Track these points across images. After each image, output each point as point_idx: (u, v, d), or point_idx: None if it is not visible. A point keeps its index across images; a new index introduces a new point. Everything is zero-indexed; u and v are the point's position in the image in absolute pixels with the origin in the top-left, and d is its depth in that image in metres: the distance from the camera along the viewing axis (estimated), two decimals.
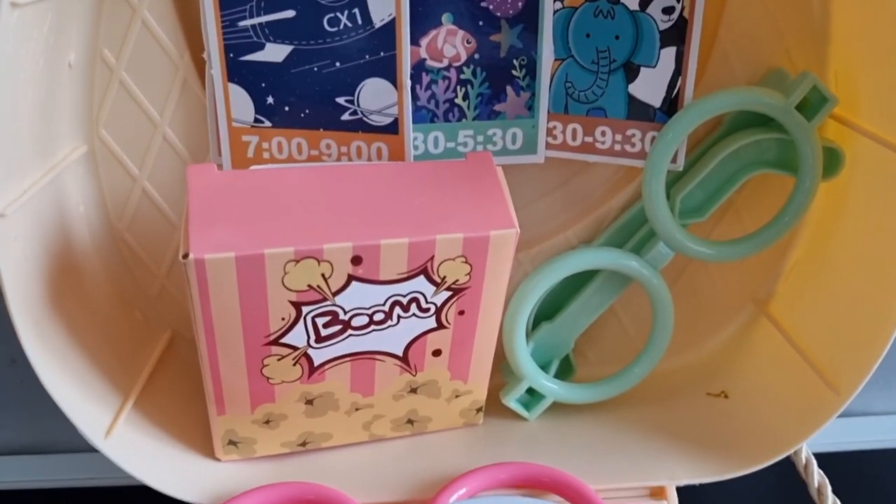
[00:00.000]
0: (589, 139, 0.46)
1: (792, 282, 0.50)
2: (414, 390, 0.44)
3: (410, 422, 0.46)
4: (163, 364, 0.49)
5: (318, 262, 0.37)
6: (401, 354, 0.42)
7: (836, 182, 0.46)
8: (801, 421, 0.44)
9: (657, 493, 0.44)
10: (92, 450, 0.55)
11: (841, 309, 0.45)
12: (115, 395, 0.44)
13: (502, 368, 0.49)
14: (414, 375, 0.44)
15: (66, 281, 0.43)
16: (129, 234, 0.47)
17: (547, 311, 0.49)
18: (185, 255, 0.36)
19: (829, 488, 0.48)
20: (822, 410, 0.44)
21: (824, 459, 0.51)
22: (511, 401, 0.48)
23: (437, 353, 0.43)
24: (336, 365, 0.42)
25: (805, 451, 0.48)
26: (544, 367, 0.48)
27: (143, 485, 0.44)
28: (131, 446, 0.43)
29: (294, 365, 0.41)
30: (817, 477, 0.48)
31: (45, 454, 0.57)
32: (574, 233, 0.48)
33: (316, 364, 0.41)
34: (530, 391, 0.48)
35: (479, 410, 0.47)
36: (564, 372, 0.50)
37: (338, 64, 0.42)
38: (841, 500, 0.47)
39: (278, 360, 0.41)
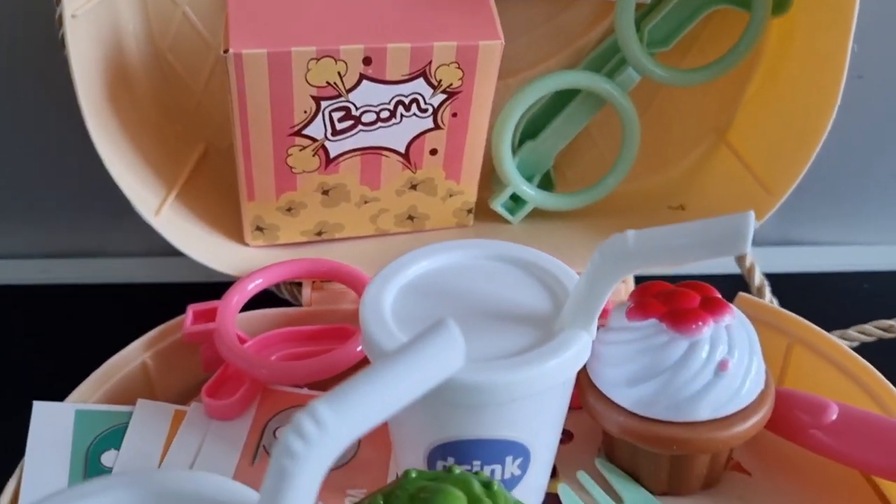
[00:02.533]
0: None
1: (748, 112, 0.57)
2: (414, 187, 0.52)
3: (411, 218, 0.54)
4: (199, 170, 0.56)
5: (335, 60, 0.45)
6: (403, 151, 0.50)
7: (786, 21, 0.53)
8: None
9: None
10: (131, 255, 0.64)
11: (784, 131, 0.53)
12: (162, 186, 0.52)
13: (492, 182, 0.57)
14: (414, 172, 0.51)
15: (120, 85, 0.51)
16: (170, 54, 0.55)
17: (531, 132, 0.56)
18: (226, 50, 0.44)
19: (769, 289, 0.56)
20: (760, 209, 0.51)
21: (777, 279, 0.59)
22: (497, 205, 0.56)
23: (433, 152, 0.51)
24: (348, 158, 0.50)
25: (750, 258, 0.56)
26: (527, 181, 0.56)
27: (174, 283, 0.52)
28: (175, 226, 0.51)
29: (313, 156, 0.49)
30: (758, 278, 0.56)
31: (94, 257, 0.65)
32: (556, 62, 0.56)
33: (331, 156, 0.49)
34: (514, 198, 0.56)
35: (469, 212, 0.55)
36: (545, 187, 0.58)
37: None
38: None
39: (300, 150, 0.49)
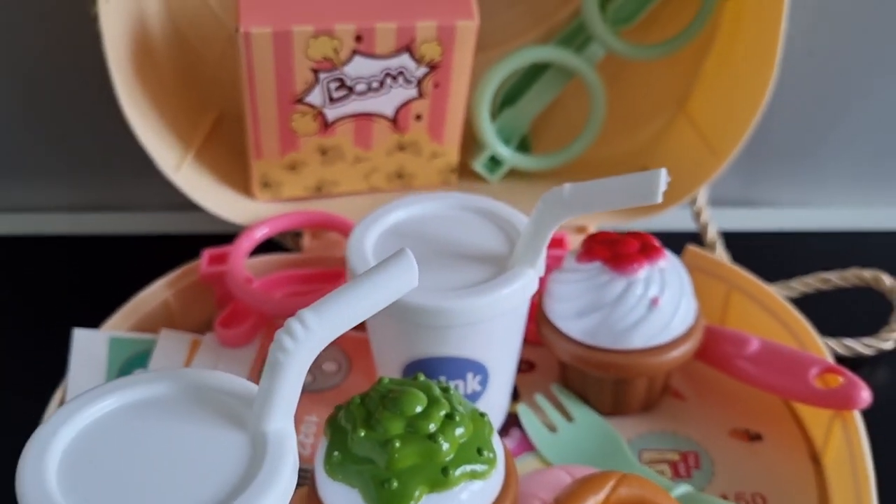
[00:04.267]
0: None
1: (704, 86, 0.64)
2: (402, 148, 0.59)
3: (400, 176, 0.61)
4: (213, 133, 0.63)
5: (331, 38, 0.52)
6: (391, 116, 0.57)
7: (735, 4, 0.59)
8: (692, 179, 0.59)
9: (581, 229, 0.59)
10: (153, 209, 0.71)
11: (732, 102, 0.60)
12: (181, 146, 0.59)
13: (475, 150, 0.64)
14: (401, 135, 0.58)
15: (144, 59, 0.58)
16: (188, 32, 0.62)
17: (510, 100, 0.63)
18: (237, 30, 0.51)
19: (721, 244, 0.63)
20: (707, 170, 0.58)
21: (736, 237, 0.66)
22: (478, 165, 0.62)
23: (418, 117, 0.57)
24: (343, 123, 0.56)
25: (700, 202, 0.62)
26: (506, 144, 0.63)
27: (191, 234, 0.59)
28: (193, 182, 0.58)
29: (313, 121, 0.56)
30: (710, 234, 0.63)
31: (120, 211, 0.73)
32: (531, 38, 0.62)
33: (329, 121, 0.56)
34: (493, 160, 0.63)
35: (452, 171, 0.62)
36: (523, 151, 0.64)
37: None
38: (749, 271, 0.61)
39: (301, 116, 0.56)
